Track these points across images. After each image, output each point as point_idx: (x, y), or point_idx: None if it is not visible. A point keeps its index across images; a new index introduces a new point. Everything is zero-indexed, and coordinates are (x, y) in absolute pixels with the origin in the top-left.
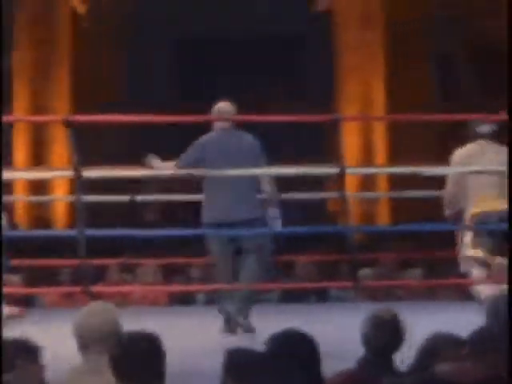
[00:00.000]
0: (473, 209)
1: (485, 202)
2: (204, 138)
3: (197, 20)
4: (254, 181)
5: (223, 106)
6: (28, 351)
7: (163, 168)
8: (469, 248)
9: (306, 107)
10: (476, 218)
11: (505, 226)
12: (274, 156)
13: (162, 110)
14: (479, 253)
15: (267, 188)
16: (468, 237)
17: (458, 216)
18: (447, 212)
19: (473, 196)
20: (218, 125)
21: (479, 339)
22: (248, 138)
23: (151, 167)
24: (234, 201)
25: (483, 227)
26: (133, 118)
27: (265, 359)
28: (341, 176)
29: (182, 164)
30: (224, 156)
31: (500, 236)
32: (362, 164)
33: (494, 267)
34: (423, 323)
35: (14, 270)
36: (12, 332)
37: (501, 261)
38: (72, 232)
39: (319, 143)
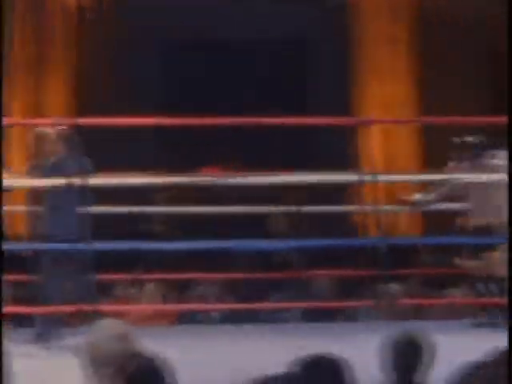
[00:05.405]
0: None
1: None
2: (50, 161)
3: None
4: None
5: (47, 131)
6: None
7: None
8: None
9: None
10: None
11: None
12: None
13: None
14: None
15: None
16: None
17: None
18: None
19: None
20: (60, 149)
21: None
22: (86, 160)
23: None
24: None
25: None
26: (141, 121)
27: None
28: (372, 184)
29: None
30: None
31: None
32: (386, 171)
33: None
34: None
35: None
36: None
37: None
38: (80, 246)
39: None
